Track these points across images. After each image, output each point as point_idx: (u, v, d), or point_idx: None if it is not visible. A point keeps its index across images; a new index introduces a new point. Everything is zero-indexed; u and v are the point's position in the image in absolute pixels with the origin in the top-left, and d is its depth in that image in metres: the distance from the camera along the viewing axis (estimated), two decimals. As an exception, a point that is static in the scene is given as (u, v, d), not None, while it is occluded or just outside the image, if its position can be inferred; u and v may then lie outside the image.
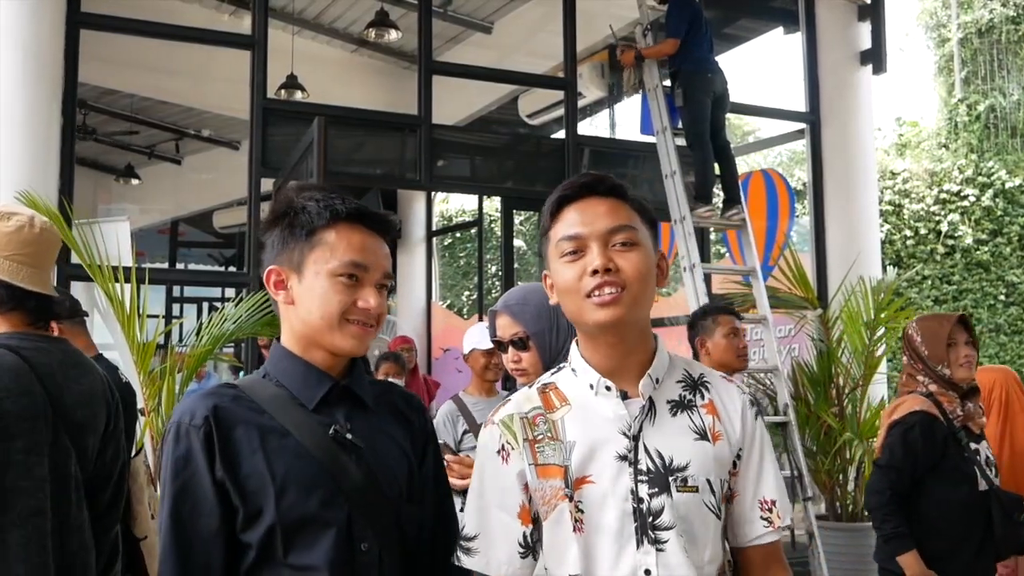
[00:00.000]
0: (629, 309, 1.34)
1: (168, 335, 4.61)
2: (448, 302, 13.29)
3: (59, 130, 4.78)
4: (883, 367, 5.47)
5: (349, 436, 1.38)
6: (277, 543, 1.31)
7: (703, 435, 1.37)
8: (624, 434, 1.35)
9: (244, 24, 6.32)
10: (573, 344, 1.46)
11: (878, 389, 5.62)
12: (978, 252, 10.70)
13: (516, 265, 9.28)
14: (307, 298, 1.39)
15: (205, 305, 12.64)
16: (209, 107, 9.07)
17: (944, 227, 10.77)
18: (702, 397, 1.41)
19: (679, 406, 1.39)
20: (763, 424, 1.44)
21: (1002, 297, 10.68)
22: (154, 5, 6.13)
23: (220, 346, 4.45)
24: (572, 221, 1.38)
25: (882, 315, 5.13)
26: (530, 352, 2.20)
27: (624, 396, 1.38)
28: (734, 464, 1.40)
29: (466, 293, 13.71)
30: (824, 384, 5.26)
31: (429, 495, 1.49)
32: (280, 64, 6.73)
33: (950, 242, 10.77)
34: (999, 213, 10.86)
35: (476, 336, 3.51)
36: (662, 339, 1.45)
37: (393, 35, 7.30)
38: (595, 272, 1.33)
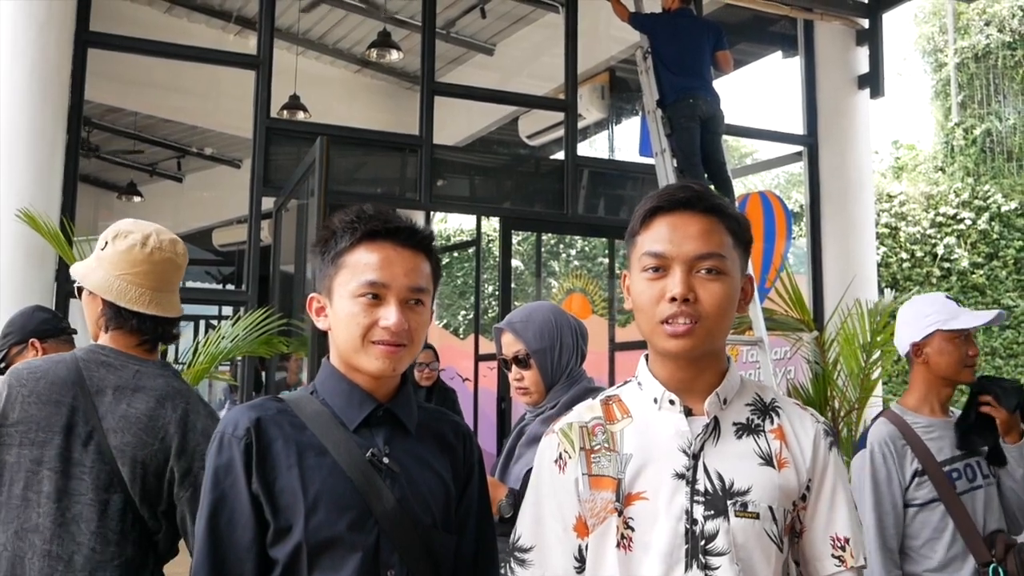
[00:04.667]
0: (701, 341, 1.28)
1: (164, 353, 4.62)
2: (444, 321, 13.28)
3: (63, 148, 4.78)
4: (879, 390, 5.47)
5: (386, 460, 1.36)
6: (303, 562, 1.29)
7: (768, 460, 1.30)
8: (684, 452, 1.28)
9: (249, 44, 6.39)
10: (642, 357, 1.41)
11: (874, 412, 5.62)
12: (974, 275, 10.73)
13: (513, 285, 9.29)
14: (336, 322, 1.39)
15: (201, 323, 12.64)
16: (212, 125, 9.12)
17: (940, 250, 10.81)
18: (771, 422, 1.33)
19: (746, 429, 1.32)
20: (838, 456, 1.35)
21: (998, 320, 10.71)
22: (161, 25, 6.20)
23: (217, 364, 4.46)
24: (660, 236, 1.31)
25: (878, 338, 5.14)
26: (532, 370, 2.19)
27: (688, 413, 1.31)
28: (803, 497, 1.31)
29: (463, 313, 13.71)
30: (820, 406, 5.24)
31: (471, 525, 1.47)
32: (283, 84, 6.78)
33: (946, 265, 10.80)
34: (995, 236, 10.89)
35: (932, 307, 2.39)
36: (734, 361, 1.39)
37: (394, 55, 7.36)
38: (673, 299, 1.27)
